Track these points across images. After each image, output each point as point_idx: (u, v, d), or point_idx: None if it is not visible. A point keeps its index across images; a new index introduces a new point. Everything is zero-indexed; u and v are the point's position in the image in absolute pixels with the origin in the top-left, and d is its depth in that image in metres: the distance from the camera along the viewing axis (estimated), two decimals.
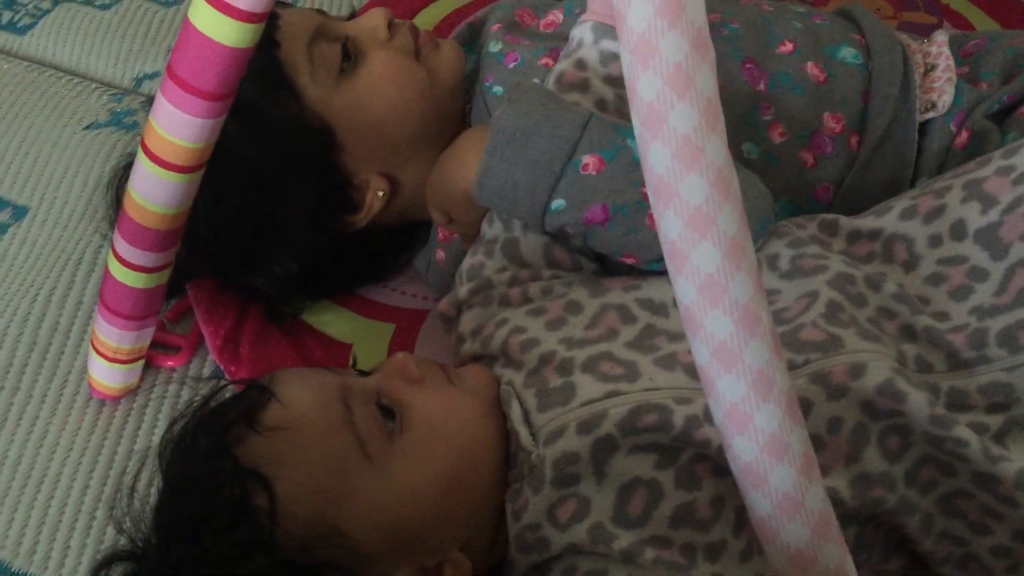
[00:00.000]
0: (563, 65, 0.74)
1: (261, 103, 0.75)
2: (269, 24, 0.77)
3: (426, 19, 1.16)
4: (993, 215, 0.63)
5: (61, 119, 1.05)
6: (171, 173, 0.62)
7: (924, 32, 0.92)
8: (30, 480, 0.75)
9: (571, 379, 0.61)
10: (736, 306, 0.45)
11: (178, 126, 0.59)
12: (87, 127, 1.03)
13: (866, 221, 0.69)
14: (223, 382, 0.64)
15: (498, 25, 0.87)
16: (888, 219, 0.68)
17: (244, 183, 0.76)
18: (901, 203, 0.68)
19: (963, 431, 0.57)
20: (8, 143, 1.02)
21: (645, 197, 0.45)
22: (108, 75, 1.12)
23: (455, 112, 0.85)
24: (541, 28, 0.88)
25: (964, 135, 0.77)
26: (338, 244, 0.82)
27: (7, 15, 1.21)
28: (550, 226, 0.68)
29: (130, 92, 1.09)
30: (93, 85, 1.10)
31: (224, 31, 0.56)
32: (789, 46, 0.78)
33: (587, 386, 0.60)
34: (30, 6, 1.22)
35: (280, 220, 0.78)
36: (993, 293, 0.61)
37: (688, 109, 0.44)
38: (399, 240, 0.86)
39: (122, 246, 0.67)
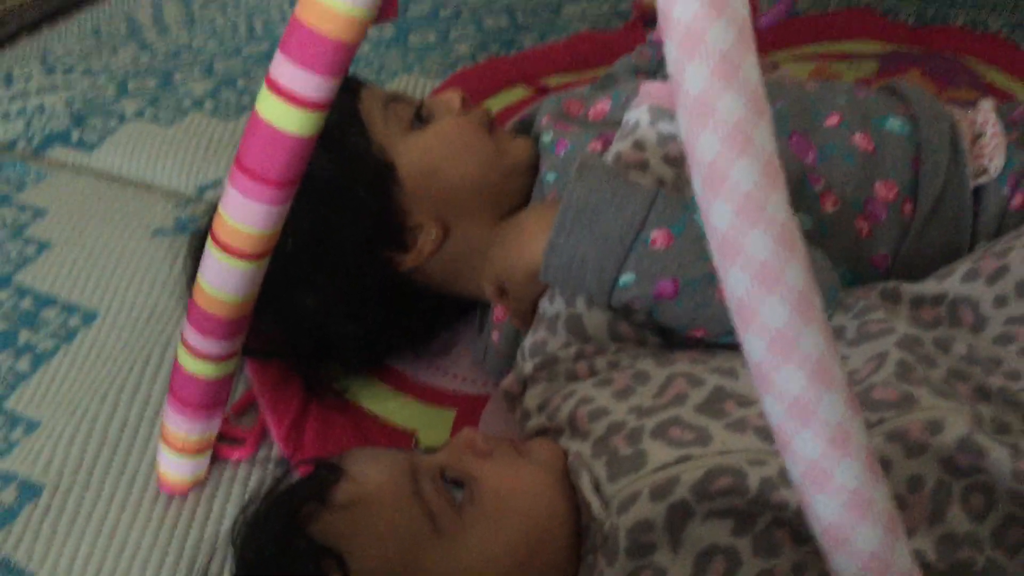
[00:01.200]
0: (621, 146, 0.76)
1: (338, 133, 0.79)
2: (355, 86, 0.85)
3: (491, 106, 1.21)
4: None
5: (128, 227, 1.09)
6: (240, 260, 0.64)
7: (970, 106, 0.93)
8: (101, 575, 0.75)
9: (641, 446, 0.60)
10: (808, 360, 0.45)
11: (246, 214, 0.62)
12: (153, 234, 1.07)
13: (928, 286, 0.69)
14: (294, 463, 0.64)
15: (548, 117, 0.90)
16: (951, 283, 0.67)
17: (310, 201, 0.78)
18: (963, 267, 0.68)
19: None
20: (79, 252, 1.06)
21: (714, 271, 0.45)
22: (172, 185, 1.16)
23: (518, 191, 0.87)
24: (590, 117, 0.90)
25: (1019, 198, 0.76)
26: (384, 289, 0.83)
27: (76, 133, 1.27)
28: (617, 301, 0.69)
29: (194, 200, 1.13)
30: (158, 195, 1.14)
31: (289, 120, 0.59)
32: (835, 119, 0.79)
33: (658, 452, 0.59)
34: (99, 125, 1.28)
35: (337, 237, 0.81)
36: None
37: (749, 165, 0.44)
38: (439, 309, 0.87)
39: (191, 335, 0.69)
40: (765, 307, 0.45)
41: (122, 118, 1.29)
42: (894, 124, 0.79)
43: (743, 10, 0.45)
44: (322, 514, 0.58)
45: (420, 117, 0.85)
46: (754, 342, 0.45)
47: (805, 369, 0.44)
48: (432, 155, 0.83)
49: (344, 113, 0.81)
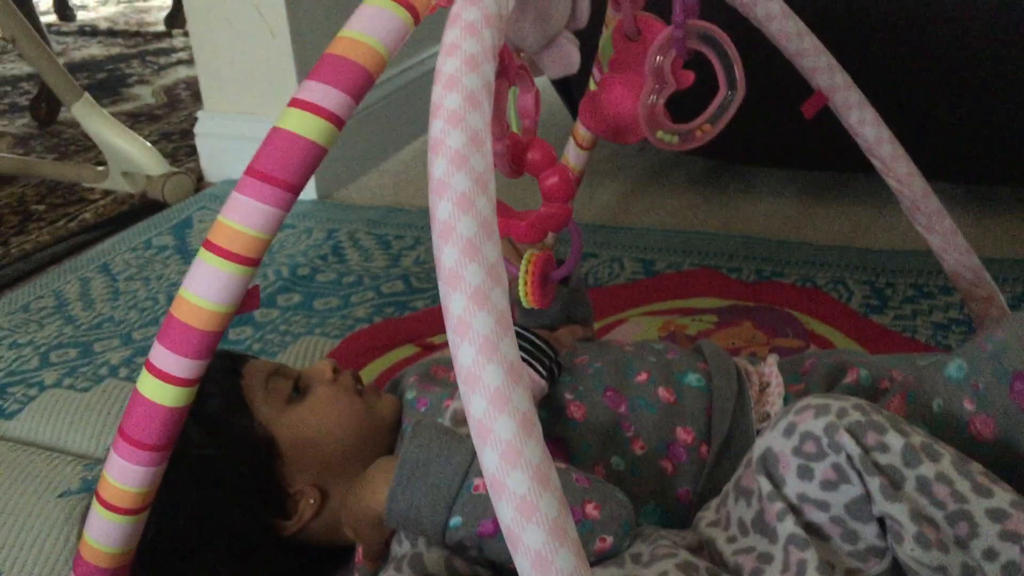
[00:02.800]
0: (456, 404, 0.89)
1: (222, 416, 0.91)
2: (237, 363, 0.95)
3: (373, 370, 1.34)
4: (755, 505, 0.75)
5: (36, 491, 1.17)
6: (120, 516, 0.73)
7: (795, 354, 1.09)
8: None
9: None
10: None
11: (126, 475, 0.72)
12: (60, 495, 1.15)
13: (689, 534, 0.82)
14: None
15: (415, 377, 1.04)
16: (701, 527, 0.81)
17: (197, 482, 0.89)
18: (709, 515, 0.81)
19: None
20: None
21: None
22: (83, 448, 1.26)
23: (387, 444, 0.99)
24: (451, 379, 1.04)
25: None
26: (270, 554, 0.92)
27: None
28: (450, 540, 0.80)
29: (102, 461, 1.22)
30: (69, 458, 1.23)
31: (164, 396, 0.71)
32: (644, 376, 0.94)
33: None
34: (19, 394, 1.39)
35: (223, 514, 0.89)
36: (780, 571, 0.72)
37: (508, 421, 0.57)
38: (326, 561, 0.96)
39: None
40: (526, 534, 0.56)
41: (42, 386, 1.40)
42: (692, 378, 0.94)
43: (501, 303, 0.59)
44: None
45: (297, 389, 0.97)
46: (521, 564, 0.56)
47: None
48: (308, 426, 0.95)
49: (229, 395, 0.93)
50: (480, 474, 0.79)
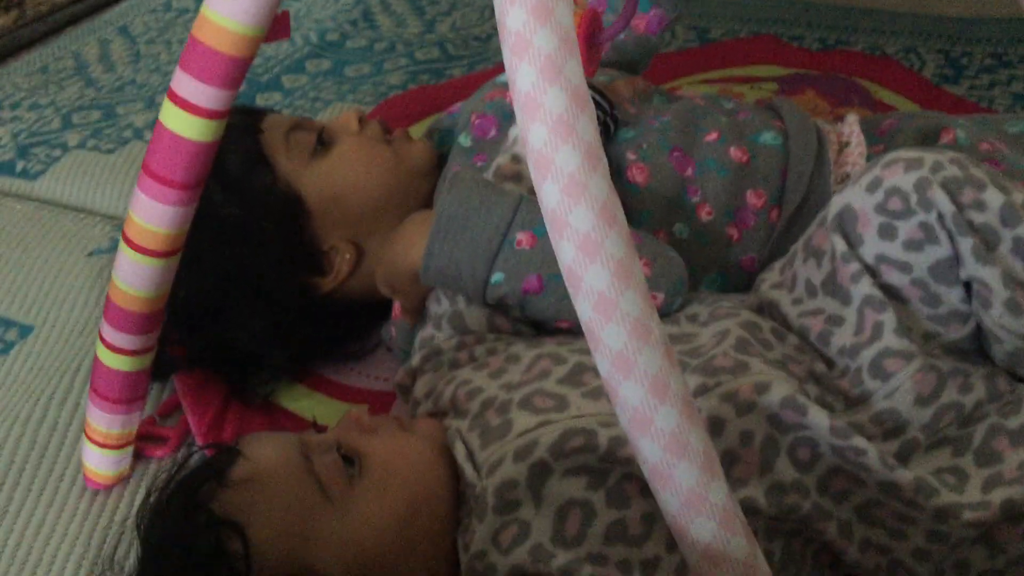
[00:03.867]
0: (500, 159, 0.83)
1: (241, 173, 0.86)
2: (255, 117, 0.88)
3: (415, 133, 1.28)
4: (826, 265, 0.70)
5: (67, 249, 1.14)
6: (150, 258, 0.69)
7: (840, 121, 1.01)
8: (26, 566, 0.80)
9: (509, 416, 0.66)
10: (627, 318, 0.51)
11: (154, 215, 0.67)
12: (90, 253, 1.12)
13: (750, 296, 0.77)
14: (193, 449, 0.69)
15: (465, 114, 0.95)
16: (763, 289, 0.76)
17: (223, 242, 0.84)
18: (772, 276, 0.76)
19: (861, 441, 0.61)
20: (17, 271, 1.11)
21: None
22: (110, 209, 1.22)
23: (422, 193, 0.93)
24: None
25: None
26: (309, 309, 0.88)
27: (21, 164, 1.32)
28: (491, 298, 0.76)
29: None
30: (97, 218, 1.20)
31: (190, 128, 0.65)
32: (715, 135, 0.86)
33: (522, 419, 0.65)
34: (42, 155, 1.34)
35: (254, 278, 0.86)
36: (853, 334, 0.67)
37: (571, 152, 0.51)
38: (366, 318, 0.93)
39: (108, 331, 0.74)
40: (589, 274, 0.51)
41: (65, 148, 1.34)
42: (767, 137, 0.86)
43: (566, 20, 0.51)
44: (220, 492, 0.63)
45: (322, 141, 0.90)
46: (582, 304, 0.52)
47: (625, 326, 0.51)
48: (336, 180, 0.89)
49: (247, 153, 0.86)
50: (523, 228, 0.73)
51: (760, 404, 0.63)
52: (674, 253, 0.76)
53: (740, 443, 0.63)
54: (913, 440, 0.65)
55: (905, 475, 0.61)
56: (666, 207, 0.85)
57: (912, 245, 0.66)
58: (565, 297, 0.73)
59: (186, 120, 0.65)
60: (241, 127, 0.87)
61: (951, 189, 0.64)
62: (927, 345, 0.67)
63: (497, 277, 0.74)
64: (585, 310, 0.51)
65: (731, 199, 0.84)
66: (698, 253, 0.83)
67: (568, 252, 0.51)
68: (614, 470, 0.63)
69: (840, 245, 0.69)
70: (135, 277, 0.71)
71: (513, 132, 0.85)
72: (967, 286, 0.66)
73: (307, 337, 0.91)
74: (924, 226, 0.65)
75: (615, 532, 0.62)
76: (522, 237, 0.73)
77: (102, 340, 0.75)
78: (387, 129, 0.94)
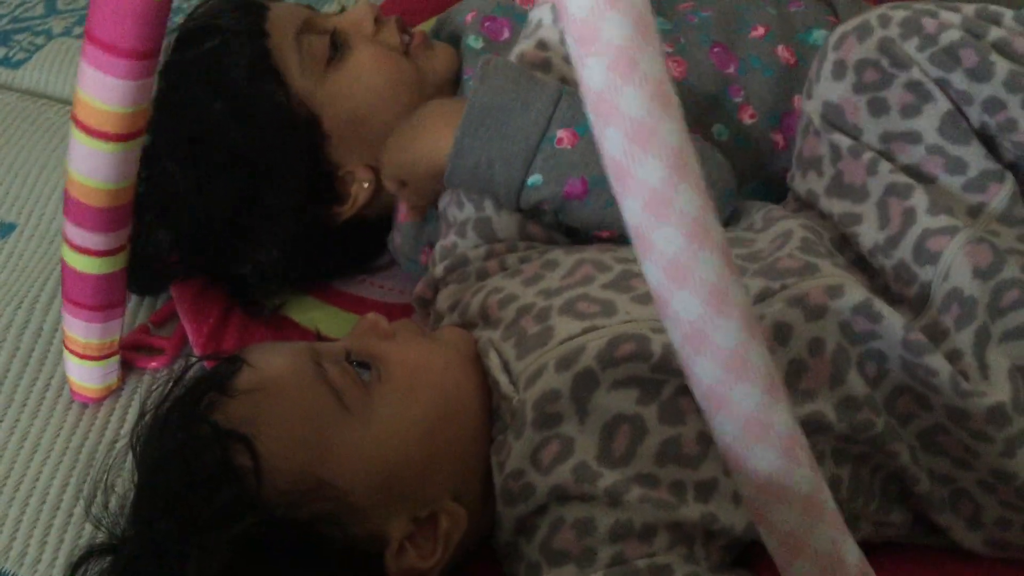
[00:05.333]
0: (524, 45, 0.74)
1: (249, 90, 0.76)
2: (258, 16, 0.78)
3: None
4: (828, 169, 0.65)
5: (51, 143, 1.06)
6: (106, 143, 0.60)
7: None
8: (9, 479, 0.74)
9: (549, 323, 0.60)
10: (685, 219, 0.44)
11: (103, 90, 0.58)
12: None
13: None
14: (192, 360, 0.63)
15: (473, 14, 0.86)
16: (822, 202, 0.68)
17: (230, 170, 0.76)
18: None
19: (935, 360, 0.55)
20: None
21: None
22: None
23: None
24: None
25: None
26: (322, 235, 0.81)
27: (2, 51, 1.23)
28: (526, 202, 0.68)
29: None
30: None
31: None
32: (761, 31, 0.78)
33: (565, 325, 0.59)
34: (25, 42, 1.25)
35: (266, 208, 0.78)
36: (879, 228, 0.61)
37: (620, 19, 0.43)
38: (382, 233, 0.85)
39: (70, 229, 0.65)
40: (641, 167, 0.44)
41: (50, 35, 1.25)
42: (819, 36, 0.78)
43: None
44: (224, 402, 0.56)
45: (335, 46, 0.79)
46: (631, 204, 0.44)
47: (682, 228, 0.44)
48: (355, 99, 0.79)
49: (254, 59, 0.76)
50: (564, 124, 0.65)
51: (832, 309, 0.56)
52: (723, 158, 0.69)
53: (809, 352, 0.56)
54: (985, 328, 0.58)
55: (977, 404, 0.55)
56: (704, 105, 0.76)
57: (909, 110, 0.62)
58: (610, 202, 0.66)
59: None
60: (244, 28, 0.77)
61: (912, 30, 0.61)
62: (977, 221, 0.61)
63: (535, 179, 0.66)
64: (634, 210, 0.44)
65: (777, 102, 0.76)
66: (738, 158, 0.75)
67: (616, 141, 0.44)
68: (668, 382, 0.56)
69: (844, 141, 0.63)
70: (90, 166, 0.61)
71: (535, 16, 0.76)
72: (985, 141, 0.62)
73: (323, 259, 0.84)
74: (911, 85, 0.61)
75: (668, 451, 0.55)
76: (563, 135, 0.65)
77: (65, 240, 0.67)
78: (405, 30, 0.83)
